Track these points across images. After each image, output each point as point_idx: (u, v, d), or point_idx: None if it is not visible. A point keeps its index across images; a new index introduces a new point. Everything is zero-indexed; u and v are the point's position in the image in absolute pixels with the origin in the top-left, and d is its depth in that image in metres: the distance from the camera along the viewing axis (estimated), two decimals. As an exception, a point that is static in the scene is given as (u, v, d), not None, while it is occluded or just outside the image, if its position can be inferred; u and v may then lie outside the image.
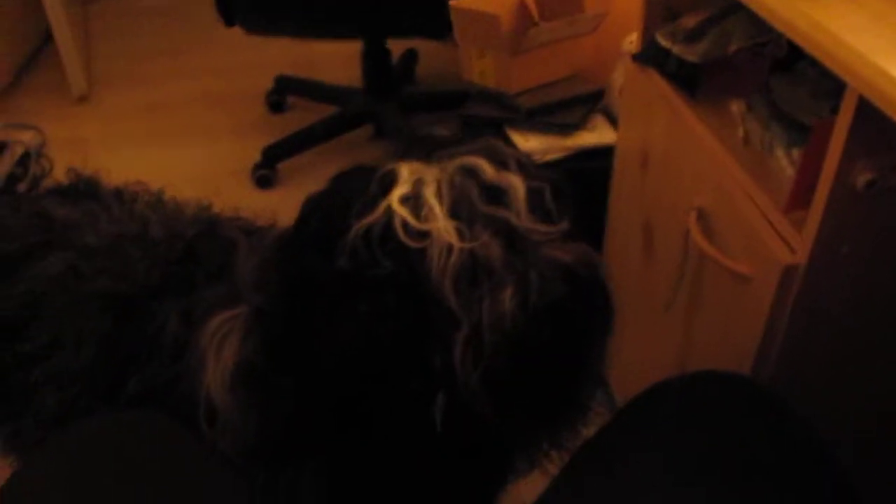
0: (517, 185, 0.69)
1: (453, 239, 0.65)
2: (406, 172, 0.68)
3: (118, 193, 1.08)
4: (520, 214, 0.68)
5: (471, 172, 0.68)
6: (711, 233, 0.98)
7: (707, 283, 1.02)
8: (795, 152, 0.89)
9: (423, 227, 0.65)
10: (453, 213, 0.66)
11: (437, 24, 1.80)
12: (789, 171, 0.89)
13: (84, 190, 1.09)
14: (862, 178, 0.75)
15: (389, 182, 0.68)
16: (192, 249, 0.94)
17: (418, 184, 0.67)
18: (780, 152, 0.91)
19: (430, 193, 0.66)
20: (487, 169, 0.69)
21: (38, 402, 0.91)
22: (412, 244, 0.65)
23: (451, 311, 0.65)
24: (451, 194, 0.67)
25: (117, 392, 0.87)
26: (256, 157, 2.27)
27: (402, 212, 0.66)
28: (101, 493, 0.63)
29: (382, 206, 0.66)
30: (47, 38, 2.84)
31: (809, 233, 0.81)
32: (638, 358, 1.26)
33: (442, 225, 0.65)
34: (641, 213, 1.24)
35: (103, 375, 0.89)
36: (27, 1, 2.76)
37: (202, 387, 0.80)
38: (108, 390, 0.88)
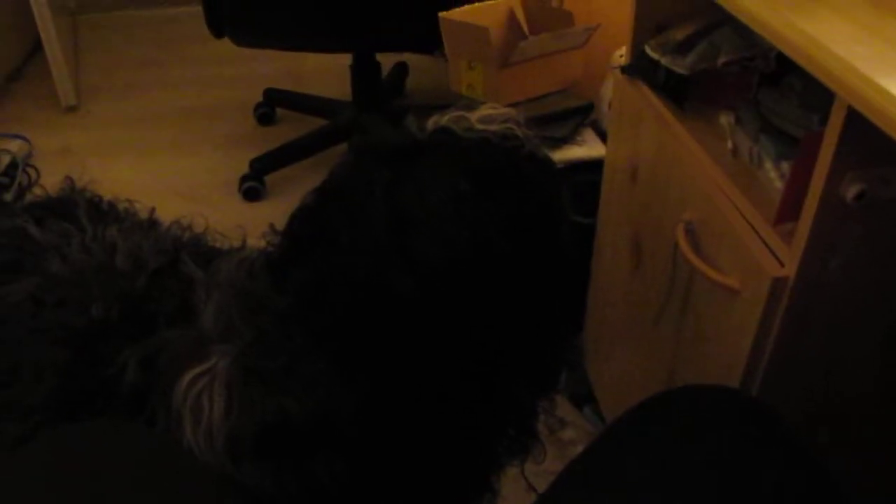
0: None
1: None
2: None
3: (98, 214, 1.04)
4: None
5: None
6: (700, 245, 0.97)
7: (696, 296, 1.01)
8: (784, 165, 0.89)
9: None
10: None
11: (426, 38, 1.80)
12: (778, 184, 0.89)
13: (64, 207, 1.05)
14: (851, 190, 0.75)
15: None
16: (153, 284, 0.89)
17: None
18: (768, 165, 0.91)
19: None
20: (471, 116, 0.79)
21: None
22: None
23: None
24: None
25: None
26: (245, 169, 2.26)
27: None
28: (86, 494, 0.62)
29: None
30: (36, 47, 2.84)
31: (798, 245, 0.80)
32: (627, 372, 1.25)
33: None
34: (630, 226, 1.23)
35: (62, 411, 0.84)
36: (16, 10, 2.76)
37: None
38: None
